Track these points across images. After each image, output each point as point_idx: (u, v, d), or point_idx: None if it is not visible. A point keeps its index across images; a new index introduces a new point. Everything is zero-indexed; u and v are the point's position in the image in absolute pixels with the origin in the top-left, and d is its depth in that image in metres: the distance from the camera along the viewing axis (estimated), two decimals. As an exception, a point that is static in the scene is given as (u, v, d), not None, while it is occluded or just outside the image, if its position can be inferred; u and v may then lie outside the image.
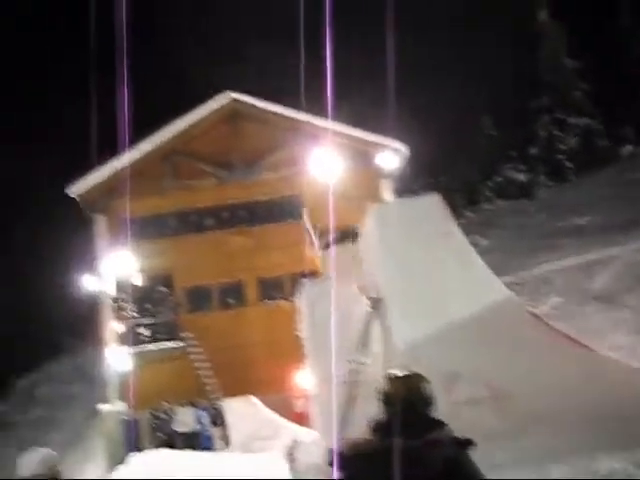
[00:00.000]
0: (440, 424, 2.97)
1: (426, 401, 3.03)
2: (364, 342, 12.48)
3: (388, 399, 3.04)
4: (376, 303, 12.83)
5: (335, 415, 11.36)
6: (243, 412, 19.18)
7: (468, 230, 17.47)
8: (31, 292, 33.66)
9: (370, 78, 25.10)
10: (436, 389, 3.10)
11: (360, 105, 25.15)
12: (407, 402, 2.98)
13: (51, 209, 29.14)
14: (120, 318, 22.03)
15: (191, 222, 23.48)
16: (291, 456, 12.38)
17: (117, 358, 20.91)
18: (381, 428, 2.99)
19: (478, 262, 12.69)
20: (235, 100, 23.27)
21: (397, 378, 3.10)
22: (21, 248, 35.02)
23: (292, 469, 12.11)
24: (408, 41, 24.13)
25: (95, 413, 23.12)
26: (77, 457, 23.13)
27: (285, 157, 22.46)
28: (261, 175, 22.87)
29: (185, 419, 19.62)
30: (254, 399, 19.92)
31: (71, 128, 30.06)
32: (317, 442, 11.64)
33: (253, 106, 23.17)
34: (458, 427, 3.02)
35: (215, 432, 19.66)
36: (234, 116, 23.30)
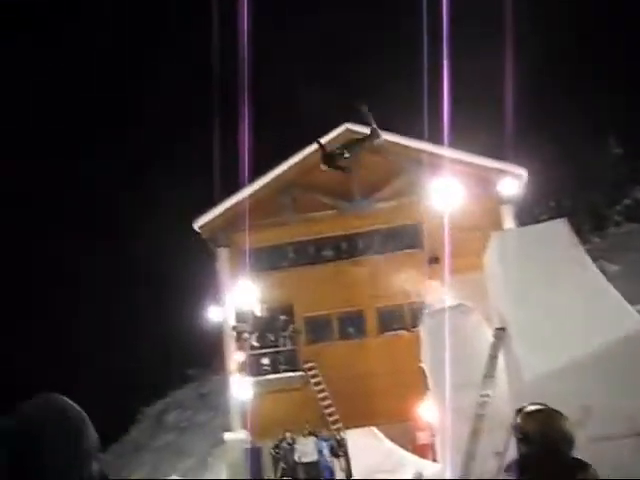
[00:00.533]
0: (584, 465, 2.72)
1: (568, 440, 2.76)
2: (489, 374, 12.12)
3: (525, 436, 2.80)
4: (501, 334, 12.46)
5: (460, 448, 11.06)
6: (365, 443, 18.99)
7: (595, 256, 16.69)
8: (160, 322, 34.96)
9: (487, 102, 24.64)
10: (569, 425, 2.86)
11: (478, 131, 24.69)
12: (548, 440, 2.74)
13: (179, 242, 30.26)
14: (242, 348, 22.48)
15: (310, 253, 23.76)
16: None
17: (240, 387, 21.31)
18: (519, 468, 2.76)
19: (610, 290, 12.06)
20: (351, 131, 23.46)
21: (532, 413, 2.87)
22: (156, 280, 36.48)
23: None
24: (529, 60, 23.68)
25: (219, 441, 23.59)
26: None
27: (404, 186, 22.36)
28: (380, 204, 22.85)
29: (307, 449, 19.68)
30: (376, 430, 19.72)
31: (197, 162, 31.27)
32: (441, 475, 11.35)
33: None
34: (596, 466, 2.78)
35: (336, 463, 19.58)
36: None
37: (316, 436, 19.98)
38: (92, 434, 1.56)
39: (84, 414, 1.58)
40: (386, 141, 23.05)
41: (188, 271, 30.29)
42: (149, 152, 41.36)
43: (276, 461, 20.30)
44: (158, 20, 46.98)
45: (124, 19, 45.15)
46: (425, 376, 14.69)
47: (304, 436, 19.90)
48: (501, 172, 22.22)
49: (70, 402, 1.59)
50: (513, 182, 22.08)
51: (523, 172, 22.34)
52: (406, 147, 22.78)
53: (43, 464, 1.45)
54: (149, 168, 40.11)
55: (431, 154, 21.59)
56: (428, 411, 15.51)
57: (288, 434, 20.18)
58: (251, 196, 22.54)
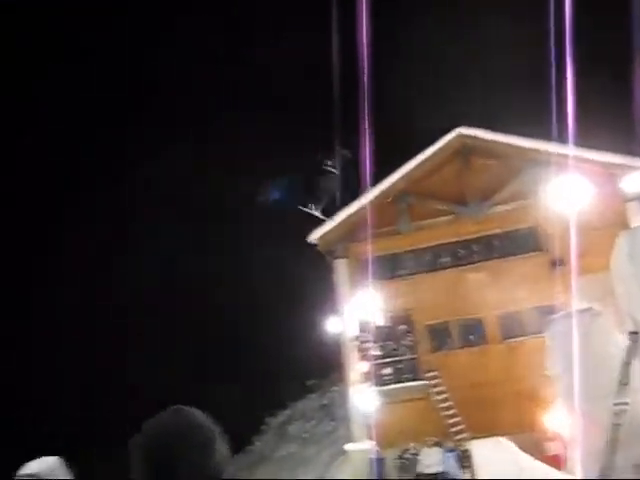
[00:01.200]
0: None
1: None
2: (623, 381, 11.50)
3: None
4: (635, 337, 11.80)
5: (595, 460, 10.54)
6: (492, 454, 18.48)
7: None
8: (281, 335, 35.55)
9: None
10: None
11: (601, 126, 23.67)
12: None
13: (296, 255, 30.70)
14: (363, 358, 22.49)
15: (428, 260, 23.53)
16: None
17: (362, 398, 21.30)
18: None
19: None
20: (464, 135, 23.12)
21: None
22: (275, 293, 37.15)
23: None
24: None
25: (341, 452, 23.64)
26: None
27: (521, 188, 21.75)
28: (496, 208, 22.34)
29: (431, 460, 19.38)
30: (503, 440, 19.17)
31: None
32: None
33: (483, 140, 22.84)
34: None
35: (462, 475, 19.16)
36: (464, 152, 23.14)
37: (441, 447, 19.66)
38: (223, 447, 1.56)
39: (215, 427, 1.58)
40: (500, 143, 22.62)
41: (306, 284, 30.65)
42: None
43: (400, 472, 20.13)
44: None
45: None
46: (552, 384, 14.14)
47: (428, 447, 19.63)
48: (626, 167, 21.15)
49: (202, 415, 1.59)
50: (638, 177, 20.95)
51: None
52: (521, 148, 22.15)
53: (178, 476, 1.46)
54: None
55: (548, 153, 20.82)
56: (556, 421, 14.91)
57: (412, 444, 19.99)
58: (365, 207, 22.58)
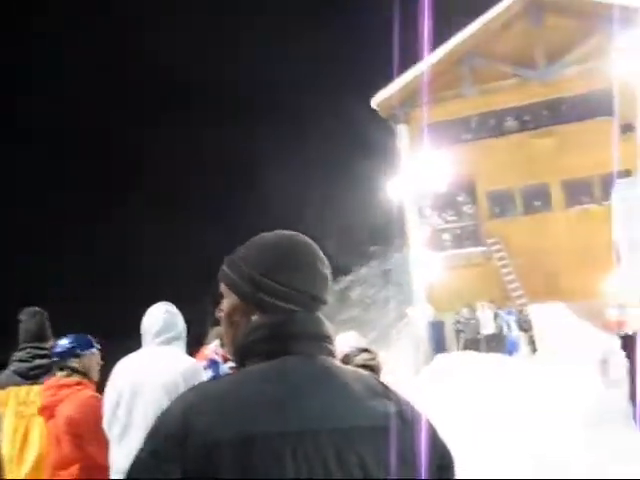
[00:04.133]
0: None
1: None
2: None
3: None
4: None
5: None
6: (552, 318, 18.67)
7: None
8: (343, 201, 35.79)
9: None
10: None
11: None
12: None
13: (354, 119, 30.26)
14: (424, 224, 22.54)
15: (492, 125, 22.92)
16: (604, 367, 11.73)
17: (423, 263, 21.52)
18: None
19: None
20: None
21: None
22: (338, 160, 37.11)
23: (605, 382, 11.48)
24: None
25: (402, 315, 24.25)
26: (386, 357, 24.52)
27: (594, 48, 20.49)
28: (566, 70, 21.28)
29: (487, 322, 19.77)
30: (563, 305, 19.28)
31: (373, 38, 30.67)
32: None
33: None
34: None
35: (522, 337, 19.50)
36: (535, 9, 21.86)
37: (500, 310, 19.96)
38: None
39: None
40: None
41: (369, 149, 30.37)
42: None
43: (458, 334, 20.60)
44: None
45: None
46: (616, 253, 13.98)
47: (488, 309, 19.96)
48: None
49: None
50: None
51: None
52: (597, 3, 20.70)
53: None
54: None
55: (626, 9, 19.45)
56: (619, 287, 14.83)
57: (469, 308, 20.32)
58: (428, 69, 21.84)
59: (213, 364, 4.81)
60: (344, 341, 6.07)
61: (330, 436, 1.24)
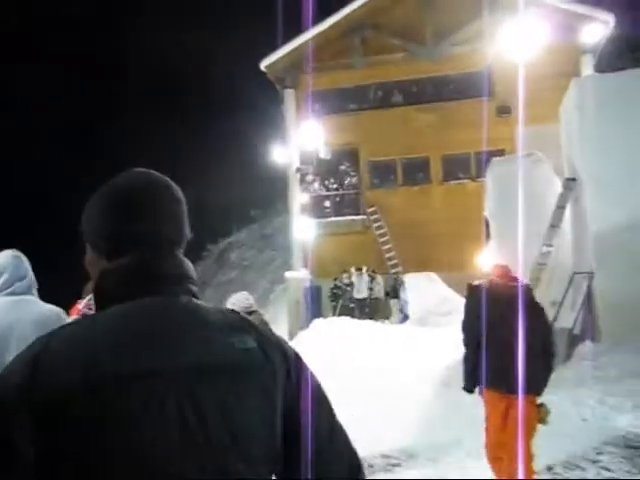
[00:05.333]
0: None
1: None
2: (554, 224, 12.02)
3: None
4: (571, 184, 12.21)
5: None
6: (423, 287, 19.43)
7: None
8: (223, 164, 35.40)
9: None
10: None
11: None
12: None
13: (242, 83, 29.98)
14: (306, 190, 22.74)
15: (379, 97, 23.30)
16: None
17: (302, 228, 21.74)
18: None
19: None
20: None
21: None
22: (220, 118, 36.55)
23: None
24: None
25: (281, 279, 24.44)
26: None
27: (478, 30, 21.16)
28: (453, 49, 21.91)
29: (362, 287, 20.41)
30: (434, 275, 20.09)
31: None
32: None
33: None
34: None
35: (395, 304, 20.19)
36: (426, -15, 22.26)
37: (374, 275, 20.62)
38: None
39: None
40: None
41: (254, 112, 30.19)
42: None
43: (335, 299, 21.08)
44: None
45: None
46: (487, 226, 14.66)
47: (361, 275, 20.57)
48: (585, 18, 20.74)
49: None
50: (598, 29, 20.62)
51: (610, 19, 20.69)
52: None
53: None
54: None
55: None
56: (488, 260, 15.59)
57: (346, 274, 20.83)
58: (318, 36, 21.86)
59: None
60: (235, 300, 6.14)
61: (184, 374, 1.21)
